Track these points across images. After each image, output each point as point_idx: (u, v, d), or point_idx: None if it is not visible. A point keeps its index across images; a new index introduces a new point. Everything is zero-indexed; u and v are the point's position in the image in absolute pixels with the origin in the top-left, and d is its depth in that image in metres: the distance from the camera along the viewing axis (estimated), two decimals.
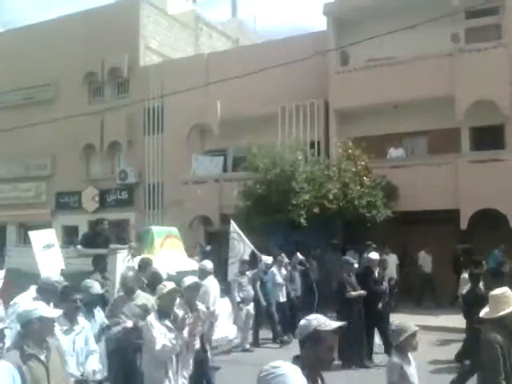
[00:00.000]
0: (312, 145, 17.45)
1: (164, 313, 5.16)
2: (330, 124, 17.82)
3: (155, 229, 9.40)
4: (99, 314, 6.10)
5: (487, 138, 16.10)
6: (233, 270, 11.27)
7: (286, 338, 11.26)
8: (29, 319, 3.81)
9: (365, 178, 15.19)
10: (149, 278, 7.48)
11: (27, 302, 5.13)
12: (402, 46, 16.49)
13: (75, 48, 22.05)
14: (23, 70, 23.08)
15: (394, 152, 16.93)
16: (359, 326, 9.02)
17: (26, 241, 22.68)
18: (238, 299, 10.68)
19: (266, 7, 62.12)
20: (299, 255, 12.95)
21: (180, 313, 5.25)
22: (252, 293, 11.04)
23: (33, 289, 5.57)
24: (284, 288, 11.88)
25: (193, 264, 9.54)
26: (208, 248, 16.51)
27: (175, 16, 24.72)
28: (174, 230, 9.82)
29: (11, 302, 5.59)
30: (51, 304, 5.34)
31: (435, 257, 15.16)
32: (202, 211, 18.60)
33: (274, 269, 11.78)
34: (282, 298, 11.83)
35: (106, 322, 6.13)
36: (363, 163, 15.42)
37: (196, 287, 5.75)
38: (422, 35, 16.01)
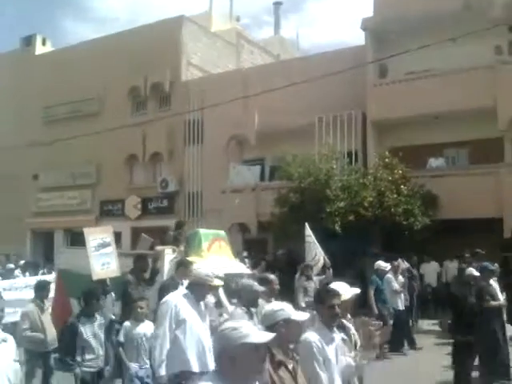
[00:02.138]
0: (349, 155, 17.49)
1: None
2: (368, 135, 17.84)
3: (202, 231, 9.14)
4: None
5: None
6: (316, 271, 10.97)
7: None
8: (274, 321, 3.33)
9: (402, 186, 15.11)
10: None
11: (178, 299, 5.04)
12: (441, 59, 16.47)
13: (120, 64, 22.86)
14: (71, 85, 24.08)
15: (435, 162, 16.78)
16: (500, 338, 8.25)
17: (72, 245, 23.40)
18: (303, 304, 10.21)
19: (308, 26, 62.91)
20: (405, 263, 12.34)
21: (351, 326, 4.45)
22: None
23: (182, 287, 5.37)
24: (402, 295, 11.27)
25: (241, 267, 9.41)
26: (244, 254, 16.64)
27: (217, 33, 25.41)
28: (222, 232, 9.63)
29: (162, 301, 5.24)
30: (201, 303, 5.23)
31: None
32: (239, 219, 18.82)
33: (390, 275, 11.08)
34: (401, 306, 11.14)
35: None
36: (400, 172, 15.34)
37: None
38: (463, 48, 15.97)
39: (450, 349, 10.84)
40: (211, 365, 4.91)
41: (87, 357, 5.92)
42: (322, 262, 11.08)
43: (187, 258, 8.04)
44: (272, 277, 6.59)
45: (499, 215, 14.68)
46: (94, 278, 7.51)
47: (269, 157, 19.99)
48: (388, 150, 16.43)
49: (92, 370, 5.93)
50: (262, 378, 2.55)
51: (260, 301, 6.16)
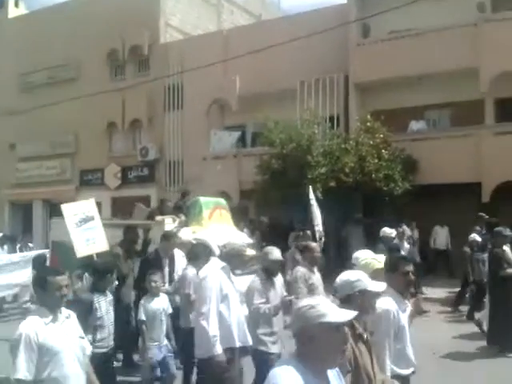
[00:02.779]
0: (331, 119, 17.25)
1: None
2: (350, 98, 17.53)
3: (203, 199, 9.00)
4: (278, 282, 5.57)
5: None
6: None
7: None
8: (351, 292, 3.22)
9: (383, 151, 14.94)
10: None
11: (219, 273, 4.85)
12: (425, 16, 16.10)
13: (97, 27, 22.14)
14: (46, 50, 23.33)
15: (416, 125, 16.56)
16: None
17: (51, 216, 23.15)
18: (288, 277, 9.72)
19: None
20: (407, 229, 11.81)
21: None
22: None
23: (215, 259, 5.22)
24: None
25: (242, 236, 9.08)
26: None
27: None
28: (222, 200, 9.49)
29: (203, 275, 4.99)
30: (234, 273, 5.04)
31: (455, 231, 14.80)
32: (221, 187, 18.57)
33: (396, 242, 10.50)
34: None
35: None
36: (382, 136, 15.14)
37: None
38: (446, 5, 15.74)
39: (451, 316, 10.96)
40: (249, 338, 4.90)
41: (99, 336, 5.48)
42: (299, 232, 10.88)
43: (169, 231, 7.90)
44: (314, 245, 6.36)
45: (478, 179, 14.62)
46: (78, 255, 7.27)
47: (250, 123, 19.60)
48: (370, 113, 16.18)
49: (103, 350, 5.47)
50: (342, 360, 2.38)
51: (301, 268, 6.02)
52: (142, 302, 6.27)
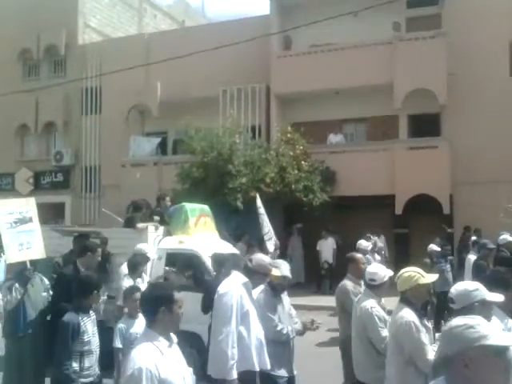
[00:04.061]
0: (253, 129, 17.34)
1: (415, 308, 3.82)
2: (271, 109, 17.75)
3: (189, 206, 8.35)
4: (285, 299, 5.09)
5: (424, 125, 16.37)
6: (270, 246, 10.22)
7: None
8: (470, 302, 3.11)
9: (303, 162, 15.19)
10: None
11: (241, 289, 4.38)
12: (345, 32, 16.59)
13: (10, 23, 21.06)
14: None
15: (334, 138, 17.01)
16: None
17: None
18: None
19: None
20: (379, 241, 11.61)
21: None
22: None
23: (236, 273, 4.64)
24: None
25: (227, 246, 8.70)
26: None
27: None
28: (206, 207, 8.92)
29: (223, 291, 4.44)
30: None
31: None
32: (140, 195, 18.02)
33: (369, 256, 9.98)
34: None
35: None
36: (301, 148, 15.38)
37: None
38: (365, 23, 16.22)
39: None
40: (268, 363, 4.43)
41: (87, 363, 4.64)
42: (274, 237, 10.41)
43: (94, 242, 7.15)
44: (359, 255, 6.00)
45: (392, 192, 15.19)
46: (9, 261, 6.42)
47: (172, 130, 19.34)
48: (290, 124, 16.43)
49: (90, 379, 4.70)
50: None
51: (348, 282, 5.59)
52: (119, 325, 5.36)
